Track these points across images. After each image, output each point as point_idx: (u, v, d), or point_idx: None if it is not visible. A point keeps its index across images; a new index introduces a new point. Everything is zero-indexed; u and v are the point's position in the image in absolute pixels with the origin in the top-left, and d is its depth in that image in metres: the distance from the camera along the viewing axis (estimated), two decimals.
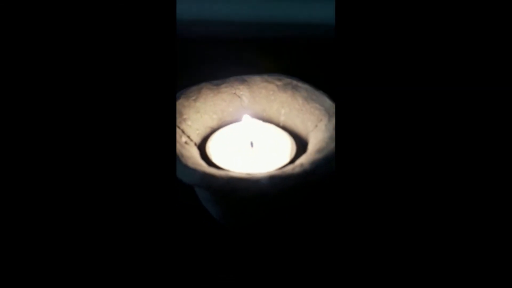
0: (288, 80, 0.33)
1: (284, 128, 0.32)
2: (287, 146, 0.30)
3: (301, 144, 0.31)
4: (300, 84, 0.33)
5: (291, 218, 0.31)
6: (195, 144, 0.30)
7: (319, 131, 0.29)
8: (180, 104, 0.30)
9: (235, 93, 0.33)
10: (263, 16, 0.61)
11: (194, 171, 0.24)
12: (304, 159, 0.26)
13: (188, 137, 0.30)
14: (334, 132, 0.28)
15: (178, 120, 0.29)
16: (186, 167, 0.24)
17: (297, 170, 0.24)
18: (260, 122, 0.32)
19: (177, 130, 0.29)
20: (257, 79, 0.33)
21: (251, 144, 0.31)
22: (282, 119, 0.33)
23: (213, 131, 0.32)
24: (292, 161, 0.28)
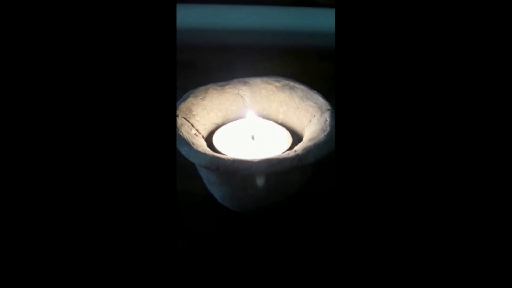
0: (286, 81, 0.39)
1: (283, 124, 0.38)
2: (285, 140, 0.36)
3: (297, 139, 0.36)
4: (296, 85, 0.38)
5: (292, 207, 0.36)
6: (203, 137, 0.35)
7: (312, 125, 0.35)
8: (189, 102, 0.36)
9: (238, 93, 0.39)
10: (265, 25, 0.67)
11: (204, 155, 0.29)
12: (298, 147, 0.31)
13: (197, 130, 0.35)
14: (325, 124, 0.33)
15: (188, 116, 0.35)
16: (198, 152, 0.30)
17: (292, 154, 0.29)
18: (261, 119, 0.38)
19: (187, 123, 0.34)
20: (257, 80, 0.39)
21: (252, 137, 0.36)
22: (281, 117, 0.38)
23: (218, 126, 0.37)
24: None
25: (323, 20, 0.65)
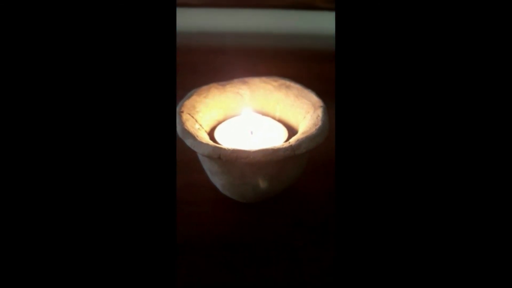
0: (282, 81, 0.43)
1: (279, 120, 0.42)
2: (282, 135, 0.40)
3: (293, 133, 0.40)
4: (292, 84, 0.43)
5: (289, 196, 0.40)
6: (205, 131, 0.40)
7: (306, 121, 0.39)
8: (193, 100, 0.40)
9: (238, 92, 0.43)
10: (265, 28, 0.71)
11: (207, 145, 0.34)
12: (292, 139, 0.36)
13: (200, 125, 0.40)
14: (317, 120, 0.38)
15: (192, 112, 0.39)
16: (201, 143, 0.34)
17: (286, 145, 0.34)
18: (259, 115, 0.42)
19: (192, 119, 0.39)
20: (256, 80, 0.43)
21: (251, 132, 0.40)
22: (278, 114, 0.43)
23: (219, 122, 0.42)
24: None
25: (321, 23, 0.70)
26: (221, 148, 0.33)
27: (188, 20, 0.70)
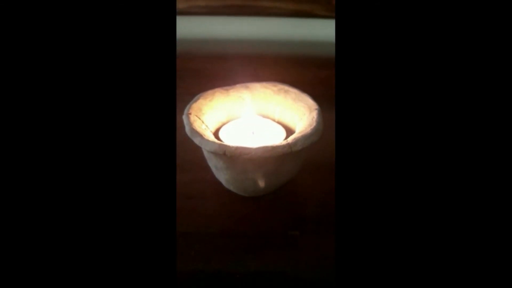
0: (281, 86, 0.48)
1: (279, 122, 0.47)
2: (280, 135, 0.45)
3: (291, 134, 0.45)
4: (290, 89, 0.47)
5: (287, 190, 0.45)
6: (211, 131, 0.44)
7: (302, 122, 0.44)
8: (200, 103, 0.45)
9: (240, 96, 0.48)
10: (266, 35, 0.76)
11: (213, 143, 0.38)
12: (289, 138, 0.40)
13: (206, 125, 0.44)
14: (312, 121, 0.42)
15: (199, 114, 0.44)
16: (208, 141, 0.39)
17: (284, 143, 0.38)
18: (260, 117, 0.46)
19: (199, 120, 0.43)
20: (257, 85, 0.48)
21: (253, 133, 0.45)
22: (277, 116, 0.47)
23: (223, 124, 0.46)
24: None
25: (319, 30, 0.74)
26: (226, 146, 0.38)
27: (193, 28, 0.75)
